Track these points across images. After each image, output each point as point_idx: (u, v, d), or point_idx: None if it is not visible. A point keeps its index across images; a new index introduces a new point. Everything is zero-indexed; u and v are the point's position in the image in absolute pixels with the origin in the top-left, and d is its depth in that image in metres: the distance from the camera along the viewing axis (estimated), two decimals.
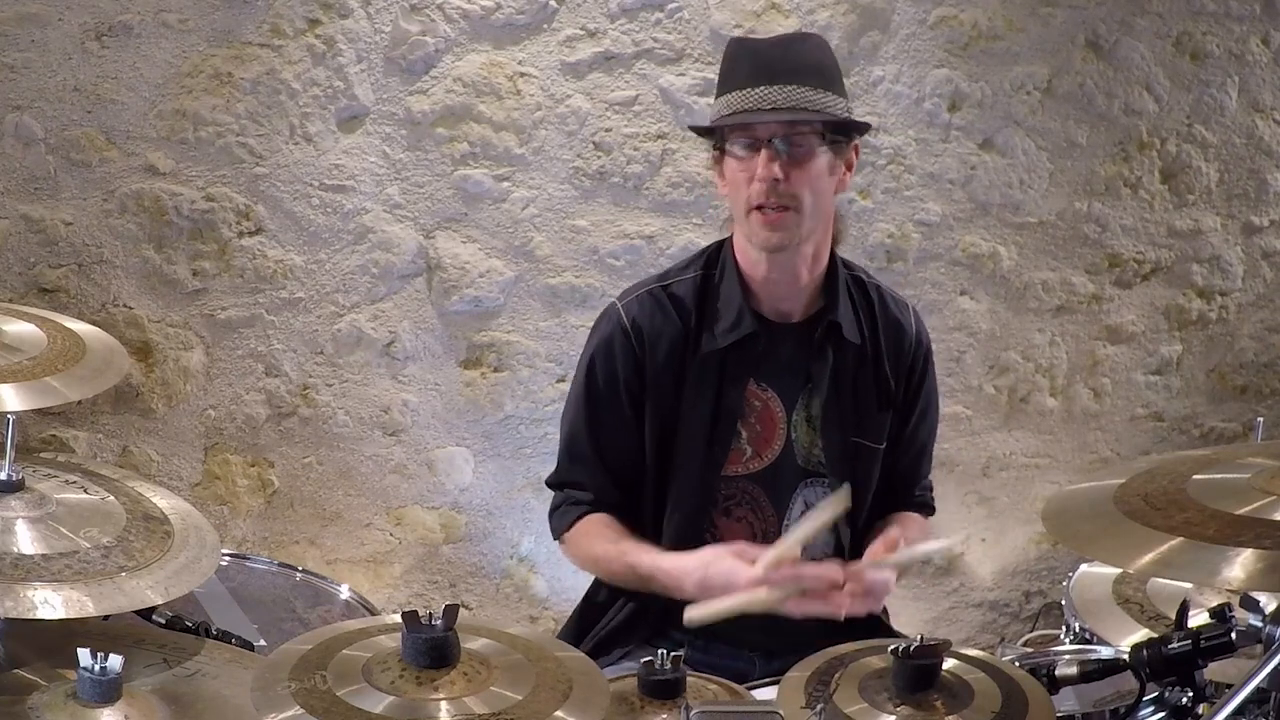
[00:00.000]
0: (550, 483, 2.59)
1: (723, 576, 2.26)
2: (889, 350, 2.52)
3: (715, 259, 2.50)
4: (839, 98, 2.38)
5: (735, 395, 2.44)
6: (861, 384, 2.49)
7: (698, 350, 2.44)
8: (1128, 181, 3.74)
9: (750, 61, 2.37)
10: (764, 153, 2.32)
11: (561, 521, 2.54)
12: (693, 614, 2.16)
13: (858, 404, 2.49)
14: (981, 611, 3.87)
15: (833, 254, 2.48)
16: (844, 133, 2.39)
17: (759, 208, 2.34)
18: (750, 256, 2.44)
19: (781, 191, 2.33)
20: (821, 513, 2.32)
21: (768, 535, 2.47)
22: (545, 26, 3.38)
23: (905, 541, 2.41)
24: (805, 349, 2.46)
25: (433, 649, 1.67)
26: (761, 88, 2.32)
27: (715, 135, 2.42)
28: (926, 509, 2.67)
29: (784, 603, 2.23)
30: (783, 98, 2.32)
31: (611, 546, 2.45)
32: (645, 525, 2.48)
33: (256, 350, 3.37)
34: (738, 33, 3.33)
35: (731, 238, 2.50)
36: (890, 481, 2.58)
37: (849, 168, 2.43)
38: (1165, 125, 3.73)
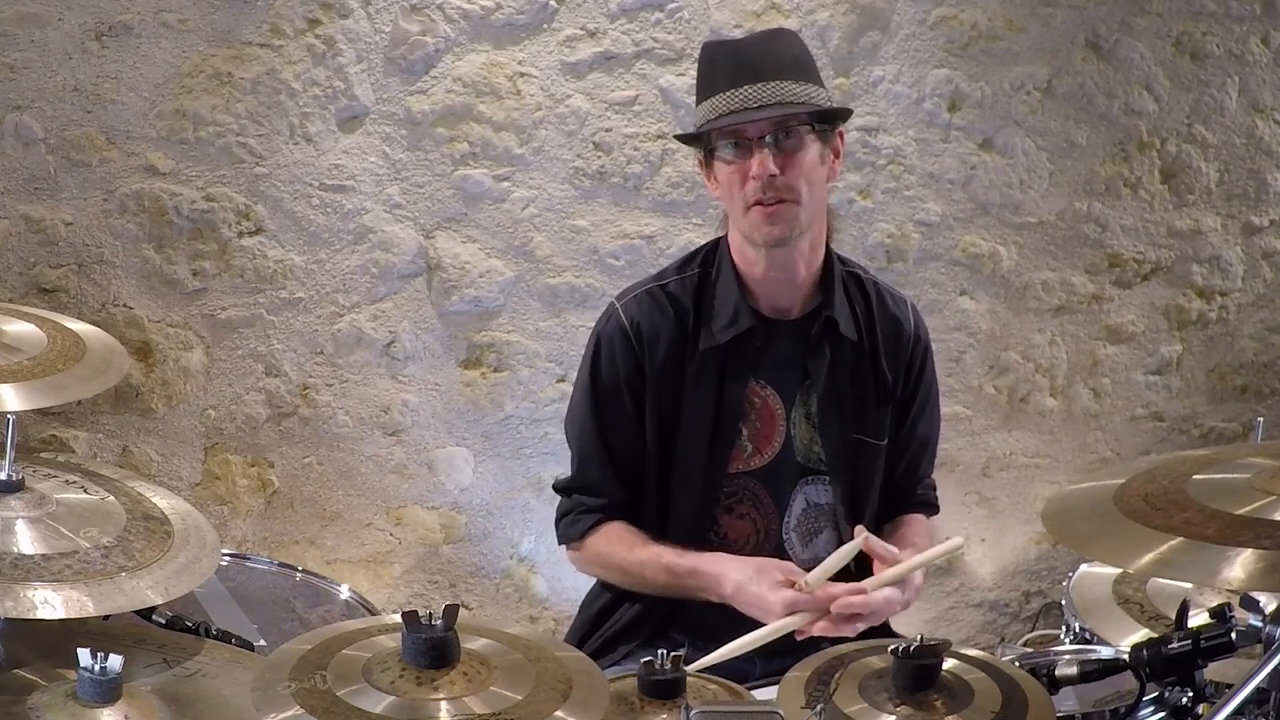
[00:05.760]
0: (558, 488, 2.59)
1: (753, 598, 2.28)
2: (887, 346, 2.52)
3: (711, 258, 2.51)
4: (820, 88, 2.39)
5: (736, 393, 2.45)
6: (859, 380, 2.50)
7: (696, 349, 2.45)
8: (1128, 181, 3.74)
9: (730, 62, 2.37)
10: (757, 151, 2.33)
11: (573, 529, 2.54)
12: (695, 666, 2.12)
13: (856, 400, 2.49)
14: (981, 611, 3.87)
15: (828, 250, 2.49)
16: (829, 121, 2.40)
17: (758, 203, 2.35)
18: (748, 255, 2.44)
19: (779, 185, 2.33)
20: (842, 552, 2.33)
21: (769, 532, 2.48)
22: (545, 26, 3.38)
23: (907, 546, 2.43)
24: (802, 345, 2.47)
25: (433, 649, 1.67)
26: (746, 87, 2.33)
27: (701, 140, 2.42)
28: (929, 508, 2.67)
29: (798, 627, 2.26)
30: (769, 94, 2.32)
31: (641, 551, 2.45)
32: (648, 526, 2.48)
33: (256, 350, 3.38)
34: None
35: (726, 237, 2.50)
36: (892, 480, 2.58)
37: (837, 155, 2.44)
38: (1165, 125, 3.73)
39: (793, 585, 2.26)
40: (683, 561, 2.40)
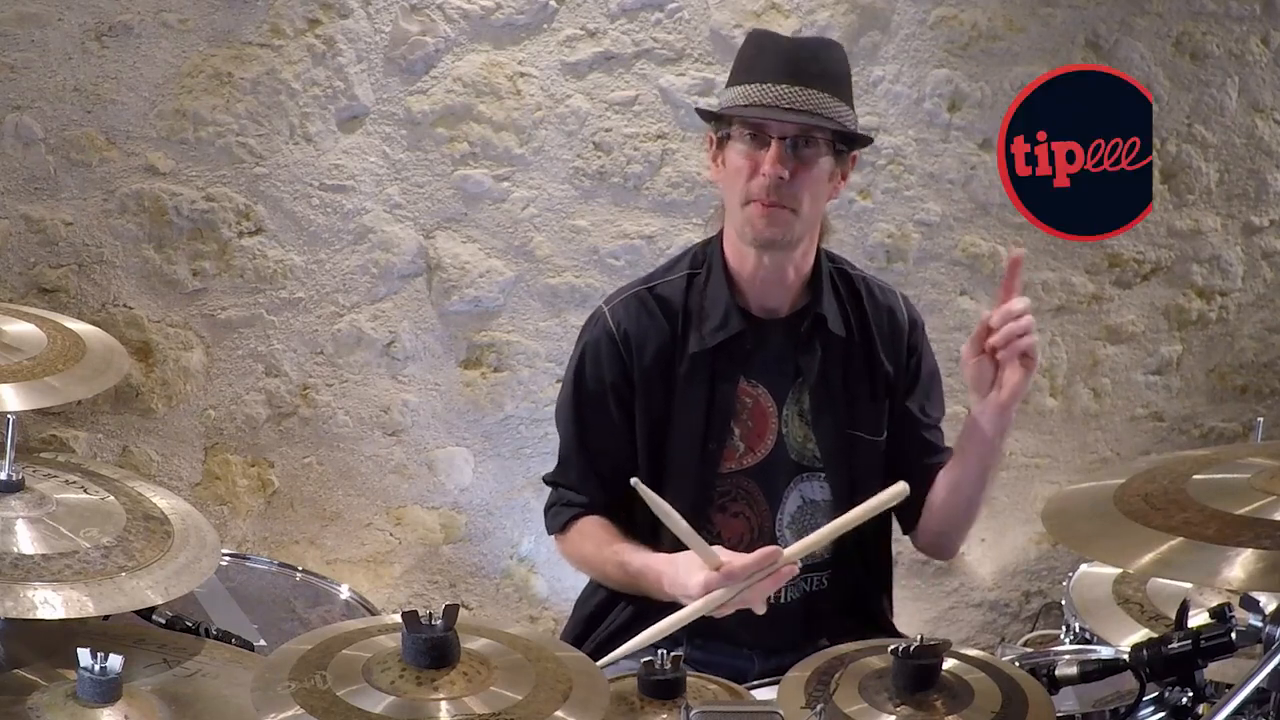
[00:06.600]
0: (547, 480, 2.61)
1: (680, 589, 2.27)
2: (883, 338, 2.52)
3: (701, 258, 2.51)
4: (851, 110, 2.39)
5: (727, 393, 2.45)
6: (852, 376, 2.49)
7: (686, 351, 2.45)
8: None
9: (776, 57, 2.37)
10: (774, 149, 2.32)
11: (555, 521, 2.56)
12: (610, 657, 2.11)
13: (849, 396, 2.49)
14: (981, 611, 3.87)
15: (818, 249, 2.49)
16: (848, 144, 2.41)
17: (758, 200, 2.35)
18: (739, 251, 2.44)
19: (784, 191, 2.33)
20: (822, 533, 2.31)
21: (763, 530, 2.48)
22: (545, 26, 3.38)
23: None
24: (793, 344, 2.47)
25: (433, 649, 1.67)
26: (784, 86, 2.33)
27: (722, 121, 2.41)
28: None
29: (724, 606, 2.22)
30: (803, 99, 2.32)
31: (604, 549, 2.45)
32: (641, 527, 2.49)
33: (256, 350, 3.38)
34: (738, 33, 3.33)
35: (718, 236, 2.50)
36: (915, 461, 2.55)
37: (844, 177, 2.45)
38: (1165, 125, 3.73)
39: (717, 569, 2.23)
40: (634, 561, 2.39)
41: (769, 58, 2.37)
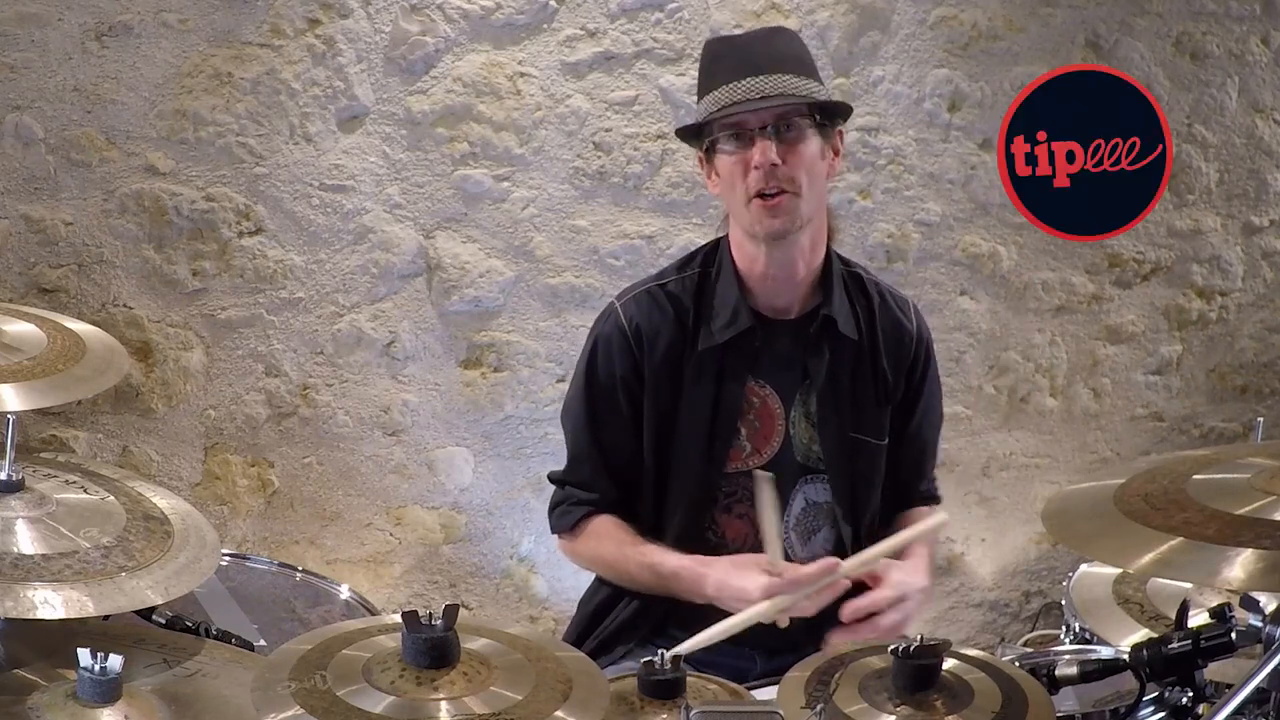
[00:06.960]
0: (553, 478, 2.60)
1: (734, 591, 2.28)
2: (888, 347, 2.52)
3: (712, 257, 2.52)
4: (820, 85, 2.41)
5: (734, 392, 2.45)
6: (859, 379, 2.50)
7: (695, 348, 2.46)
8: None
9: (732, 56, 2.39)
10: (759, 141, 2.34)
11: (564, 520, 2.55)
12: (680, 648, 2.13)
13: (855, 400, 2.50)
14: (981, 611, 3.88)
15: (828, 250, 2.50)
16: (829, 117, 2.42)
17: (759, 195, 2.36)
18: (748, 251, 2.45)
19: (780, 175, 2.35)
20: (880, 549, 2.35)
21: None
22: (545, 26, 3.38)
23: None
24: (802, 344, 2.47)
25: (433, 649, 1.67)
26: (748, 80, 2.35)
27: (703, 134, 2.43)
28: (932, 500, 2.67)
29: (783, 613, 2.26)
30: (770, 86, 2.34)
31: (628, 549, 2.46)
32: (645, 524, 2.49)
33: (256, 350, 3.38)
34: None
35: (727, 237, 2.51)
36: (898, 477, 2.58)
37: (836, 153, 2.45)
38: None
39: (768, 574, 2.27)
40: (666, 562, 2.41)
41: (725, 60, 2.40)
